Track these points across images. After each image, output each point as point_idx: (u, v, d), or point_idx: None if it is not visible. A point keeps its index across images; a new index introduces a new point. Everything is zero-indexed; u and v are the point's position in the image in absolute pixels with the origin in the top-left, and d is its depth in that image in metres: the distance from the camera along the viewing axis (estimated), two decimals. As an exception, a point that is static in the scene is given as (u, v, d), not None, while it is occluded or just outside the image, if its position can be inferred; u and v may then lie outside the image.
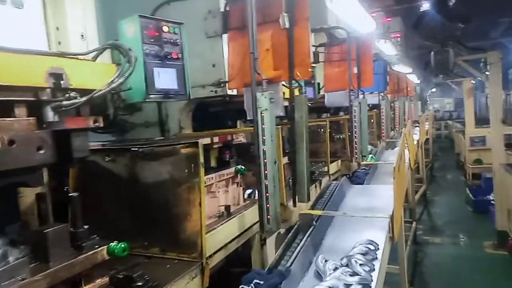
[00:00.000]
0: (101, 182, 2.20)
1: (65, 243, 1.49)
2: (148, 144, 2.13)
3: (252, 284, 1.67)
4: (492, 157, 6.50)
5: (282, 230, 2.83)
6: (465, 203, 8.97)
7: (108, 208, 2.16)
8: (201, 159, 1.89)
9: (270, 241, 2.87)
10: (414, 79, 11.95)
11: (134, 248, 2.01)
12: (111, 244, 1.62)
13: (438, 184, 11.58)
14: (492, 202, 6.66)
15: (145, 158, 2.06)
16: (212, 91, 2.80)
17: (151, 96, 1.87)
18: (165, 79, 1.92)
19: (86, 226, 1.61)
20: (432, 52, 6.00)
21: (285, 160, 3.09)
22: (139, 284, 1.54)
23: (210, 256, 2.19)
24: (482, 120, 10.69)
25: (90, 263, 1.54)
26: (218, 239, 2.28)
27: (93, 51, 1.52)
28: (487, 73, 5.95)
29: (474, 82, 10.73)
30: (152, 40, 1.87)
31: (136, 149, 2.07)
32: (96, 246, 1.59)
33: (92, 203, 2.14)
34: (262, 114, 2.07)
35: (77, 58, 1.44)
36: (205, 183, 2.48)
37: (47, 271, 1.34)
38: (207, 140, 2.46)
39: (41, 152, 1.36)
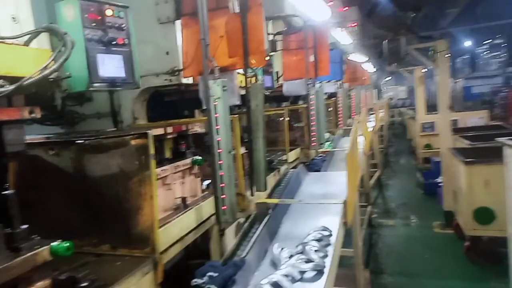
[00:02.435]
0: (46, 177, 2.06)
1: (-1, 245, 1.38)
2: (96, 136, 2.02)
3: (205, 277, 1.64)
4: (440, 142, 6.86)
5: (241, 220, 2.82)
6: (416, 186, 9.45)
7: (54, 205, 2.04)
8: (152, 151, 1.81)
9: (230, 232, 2.85)
10: (369, 68, 12.30)
11: (82, 246, 1.93)
12: (53, 243, 1.52)
13: (392, 169, 12.11)
14: (440, 184, 7.05)
15: (92, 150, 1.95)
16: (166, 79, 2.71)
17: (95, 85, 1.76)
18: (111, 66, 1.81)
19: (24, 226, 1.50)
20: (385, 41, 6.19)
21: (243, 150, 3.07)
22: (84, 284, 1.46)
23: (165, 251, 2.14)
24: (432, 107, 11.23)
25: (29, 265, 1.43)
26: (173, 232, 2.23)
27: (24, 35, 1.39)
28: (435, 61, 6.23)
29: (425, 70, 11.23)
30: (94, 24, 1.74)
31: (82, 141, 1.95)
32: (37, 247, 1.49)
33: (37, 201, 2.01)
34: (215, 103, 2.02)
35: (5, 43, 1.31)
36: (159, 175, 2.41)
37: (-24, 277, 1.23)
38: (159, 131, 2.38)
39: (-33, 147, 1.24)
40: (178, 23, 2.62)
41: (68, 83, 1.87)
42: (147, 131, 1.83)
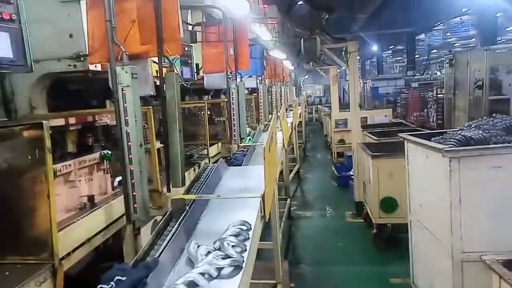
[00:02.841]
0: None
1: None
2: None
3: (112, 282, 1.49)
4: (352, 137, 7.36)
5: (158, 218, 2.67)
6: (331, 178, 10.04)
7: None
8: (48, 143, 1.60)
9: (145, 230, 2.69)
10: (289, 65, 12.73)
11: (-39, 255, 1.64)
12: None
13: (310, 163, 12.72)
14: (352, 177, 7.57)
15: (-27, 143, 1.66)
16: (70, 65, 2.42)
17: (-26, 65, 1.49)
18: (-8, 44, 1.54)
19: None
20: (302, 39, 6.42)
21: (159, 144, 2.91)
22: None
23: (68, 255, 1.92)
24: (346, 105, 12.03)
25: None
26: (77, 234, 2.01)
27: None
28: (347, 61, 6.64)
29: (339, 70, 11.97)
30: (-30, -7, 1.47)
31: (-41, 132, 1.65)
32: None
33: None
34: (124, 91, 1.86)
35: None
36: (60, 171, 2.16)
37: None
38: (60, 121, 2.12)
39: None
40: (83, 3, 2.36)
41: None
42: (41, 121, 1.61)
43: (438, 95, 9.18)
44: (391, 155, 5.49)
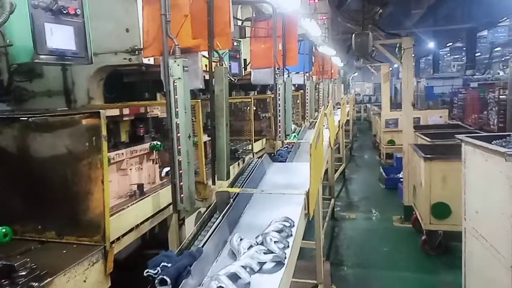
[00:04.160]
0: (-16, 157, 1.87)
1: None
2: (43, 114, 1.84)
3: (158, 268, 1.54)
4: (403, 138, 7.05)
5: (202, 209, 2.73)
6: (379, 180, 9.70)
7: (-7, 187, 1.86)
8: (104, 132, 1.68)
9: (190, 221, 2.75)
10: (338, 62, 12.44)
11: (25, 233, 1.78)
12: (-13, 229, 1.37)
13: (356, 163, 12.38)
14: (401, 179, 7.26)
15: (37, 129, 1.78)
16: (125, 58, 2.53)
17: (42, 56, 1.59)
18: (60, 38, 1.65)
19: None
20: (353, 35, 6.23)
21: (206, 138, 2.97)
22: (23, 273, 1.33)
23: (118, 239, 2.02)
24: (396, 105, 11.57)
25: (-43, 252, 1.28)
26: (127, 220, 2.10)
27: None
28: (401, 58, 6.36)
29: (391, 68, 11.52)
30: (41, -11, 1.57)
31: (26, 119, 1.78)
32: (-33, 232, 1.34)
33: (-27, 182, 1.83)
34: (175, 84, 1.90)
35: None
36: (113, 159, 2.27)
37: None
38: (114, 112, 2.23)
39: None
40: (140, -1, 2.45)
41: (13, 54, 1.70)
42: (99, 110, 1.69)
43: (501, 96, 8.53)
44: (446, 158, 5.19)
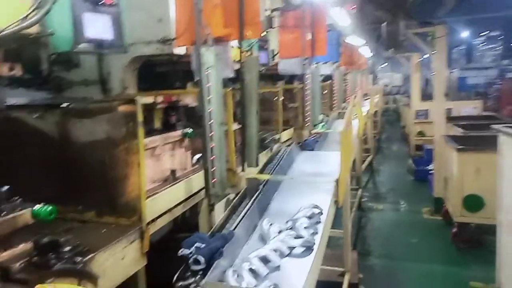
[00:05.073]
0: (30, 141, 1.99)
1: (-23, 206, 1.33)
2: (82, 101, 1.94)
3: (193, 248, 1.60)
4: (434, 129, 6.86)
5: (231, 196, 2.78)
6: (407, 172, 9.51)
7: (39, 169, 1.97)
8: (140, 118, 1.75)
9: (219, 207, 2.82)
10: (366, 52, 12.19)
11: (67, 213, 1.88)
12: (35, 207, 1.47)
13: (384, 154, 12.16)
14: (431, 171, 7.08)
15: (78, 115, 1.88)
16: (158, 48, 2.60)
17: (81, 45, 1.67)
18: (98, 27, 1.72)
19: (6, 187, 1.45)
20: (384, 24, 6.08)
21: (236, 126, 3.01)
22: (67, 249, 1.42)
23: (153, 221, 2.10)
24: (426, 96, 11.23)
25: (9, 227, 1.39)
26: (161, 203, 2.19)
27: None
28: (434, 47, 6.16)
29: (421, 59, 11.17)
30: (81, -20, 1.64)
31: (67, 105, 1.87)
32: (18, 209, 1.44)
33: (21, 165, 1.95)
34: (208, 72, 1.95)
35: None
36: (148, 145, 2.35)
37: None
38: (149, 99, 2.30)
39: None
40: (172, -11, 2.50)
41: (53, 43, 1.78)
42: (135, 97, 1.76)
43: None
44: (480, 149, 5.02)
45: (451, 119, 8.10)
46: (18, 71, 1.35)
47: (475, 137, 5.83)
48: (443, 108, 6.64)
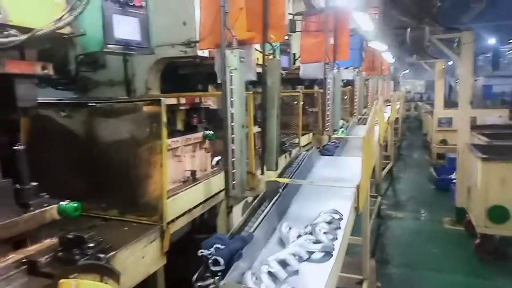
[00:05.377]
0: (57, 139, 2.05)
1: (8, 200, 1.37)
2: (108, 101, 1.98)
3: (212, 249, 1.61)
4: (457, 137, 6.69)
5: (249, 199, 2.79)
6: (428, 181, 9.31)
7: (64, 166, 2.03)
8: (164, 119, 1.77)
9: (237, 209, 2.83)
10: (388, 58, 12.03)
11: (91, 210, 1.92)
12: (61, 203, 1.51)
13: (404, 162, 11.95)
14: (454, 181, 6.91)
15: (103, 114, 1.92)
16: (182, 51, 2.64)
17: (110, 46, 1.71)
18: (126, 28, 1.76)
19: (34, 183, 1.49)
20: (409, 29, 5.99)
21: (256, 129, 3.02)
22: (91, 245, 1.45)
23: (173, 221, 2.12)
24: (449, 104, 11.00)
25: (37, 222, 1.43)
26: (181, 204, 2.21)
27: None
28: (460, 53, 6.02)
29: (445, 65, 10.95)
30: (111, -17, 1.69)
31: (93, 104, 1.92)
32: (45, 205, 1.48)
33: (47, 162, 2.00)
34: (231, 74, 1.96)
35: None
36: (170, 146, 2.38)
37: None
38: (172, 101, 2.33)
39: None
40: (198, -7, 2.54)
41: (82, 43, 1.84)
42: (160, 98, 1.79)
43: None
44: (505, 159, 4.88)
45: (475, 127, 7.90)
46: (50, 71, 1.39)
47: (500, 147, 5.67)
48: (468, 116, 6.48)
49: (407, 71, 24.87)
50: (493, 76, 18.06)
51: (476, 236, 5.27)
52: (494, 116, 10.30)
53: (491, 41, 20.04)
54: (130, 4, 1.77)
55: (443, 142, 10.32)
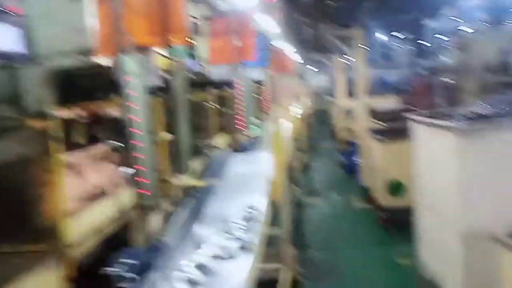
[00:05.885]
0: None
1: None
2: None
3: (123, 265, 1.53)
4: (358, 124, 7.35)
5: (166, 205, 2.71)
6: (339, 166, 10.08)
7: None
8: (56, 134, 1.63)
9: (154, 218, 2.73)
10: (295, 57, 12.64)
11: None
12: None
13: (317, 152, 12.75)
14: (359, 163, 7.58)
15: (-16, 135, 1.70)
16: (77, 60, 2.45)
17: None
18: (3, 38, 1.57)
19: None
20: (308, 27, 6.37)
21: (169, 135, 2.94)
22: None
23: (78, 243, 1.96)
24: (351, 95, 11.98)
25: None
26: (88, 223, 2.05)
27: None
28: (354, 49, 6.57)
29: (348, 63, 11.89)
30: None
31: (-29, 125, 1.69)
32: None
33: None
34: (131, 80, 1.88)
35: None
36: (69, 161, 2.20)
37: None
38: (68, 113, 2.16)
39: None
40: (90, -1, 2.38)
41: None
42: (49, 112, 1.64)
43: (448, 81, 9.04)
44: (398, 139, 5.50)
45: (374, 114, 8.71)
46: None
47: (394, 129, 6.35)
48: (364, 105, 7.13)
49: (312, 68, 26.39)
50: (385, 67, 20.07)
51: (381, 210, 5.87)
52: (386, 103, 11.48)
53: (381, 36, 22.18)
54: (7, 11, 1.58)
55: (348, 130, 11.23)
